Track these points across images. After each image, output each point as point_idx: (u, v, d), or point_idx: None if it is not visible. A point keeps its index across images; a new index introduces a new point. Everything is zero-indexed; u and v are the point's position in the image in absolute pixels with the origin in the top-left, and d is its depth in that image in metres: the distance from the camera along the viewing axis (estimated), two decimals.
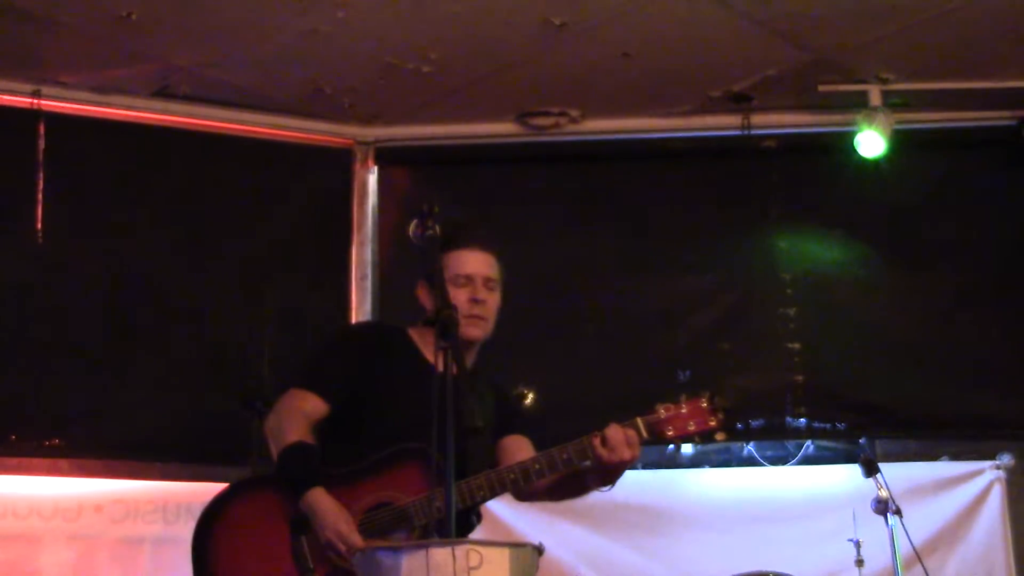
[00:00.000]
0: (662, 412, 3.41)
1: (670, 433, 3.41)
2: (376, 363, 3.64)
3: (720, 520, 5.76)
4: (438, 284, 3.21)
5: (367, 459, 3.47)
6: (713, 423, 3.42)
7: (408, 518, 3.35)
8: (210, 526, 3.50)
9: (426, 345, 3.66)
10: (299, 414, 3.54)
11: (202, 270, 5.64)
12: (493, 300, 3.67)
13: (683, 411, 3.42)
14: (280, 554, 3.40)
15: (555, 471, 3.41)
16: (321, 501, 3.36)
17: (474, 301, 3.60)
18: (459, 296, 3.58)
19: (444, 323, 2.97)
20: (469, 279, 3.63)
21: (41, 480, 5.38)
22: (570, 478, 3.53)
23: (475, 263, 3.65)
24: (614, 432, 3.35)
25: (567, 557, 5.63)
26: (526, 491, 3.60)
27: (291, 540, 3.40)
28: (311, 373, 3.68)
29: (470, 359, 3.70)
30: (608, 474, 3.44)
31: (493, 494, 3.43)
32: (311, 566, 3.36)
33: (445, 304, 3.07)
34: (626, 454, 3.35)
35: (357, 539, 3.30)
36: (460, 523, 3.27)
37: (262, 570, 3.41)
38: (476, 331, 3.62)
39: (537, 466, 3.41)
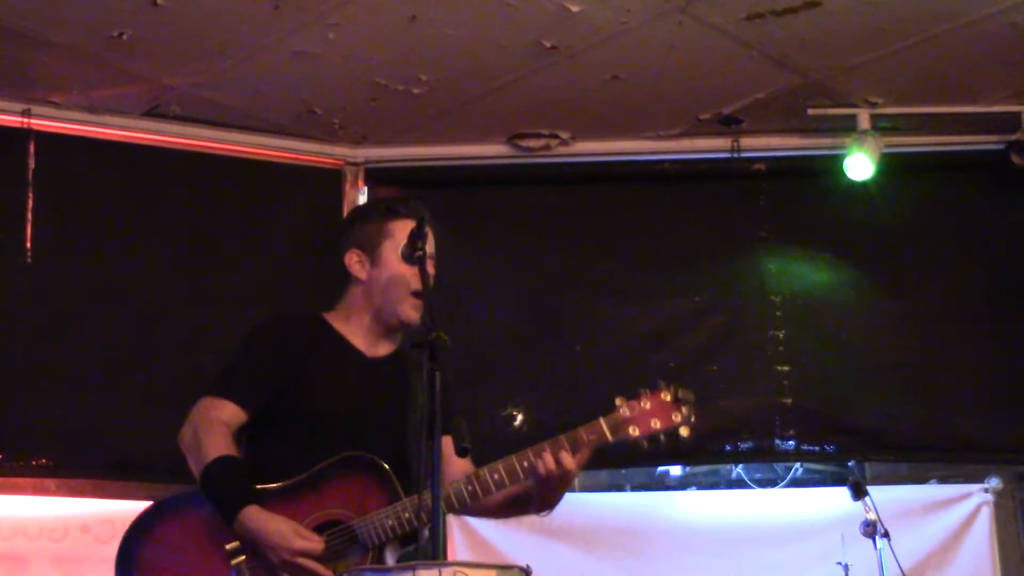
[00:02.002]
0: (625, 411, 3.27)
1: (634, 433, 3.26)
2: (297, 358, 3.46)
3: (708, 542, 5.77)
4: (426, 301, 3.13)
5: (306, 471, 3.29)
6: (678, 418, 3.28)
7: (357, 538, 3.19)
8: (133, 553, 3.29)
9: (350, 331, 3.53)
10: (218, 424, 3.36)
11: (192, 290, 5.61)
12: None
13: (646, 407, 3.28)
14: None
15: (516, 481, 3.24)
16: (260, 520, 3.16)
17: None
18: (407, 272, 3.42)
19: (434, 345, 2.88)
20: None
21: (28, 500, 5.37)
22: (516, 497, 3.35)
23: (429, 239, 3.45)
24: (549, 459, 3.19)
25: None
26: (477, 506, 3.39)
27: (230, 567, 3.19)
28: (225, 379, 3.50)
29: (395, 342, 3.56)
30: (552, 494, 3.28)
31: (452, 510, 3.25)
32: None
33: (435, 323, 2.96)
34: (573, 476, 3.23)
35: (316, 544, 3.13)
36: (409, 543, 3.15)
37: None
38: (418, 314, 3.43)
39: (496, 476, 3.23)
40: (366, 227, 3.60)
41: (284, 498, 3.27)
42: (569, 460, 3.20)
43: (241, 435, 3.45)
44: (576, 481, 6.27)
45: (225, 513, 3.22)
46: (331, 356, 3.50)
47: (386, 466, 3.23)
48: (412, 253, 3.24)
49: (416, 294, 3.44)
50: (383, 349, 3.57)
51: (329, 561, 3.18)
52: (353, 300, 3.61)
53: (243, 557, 3.20)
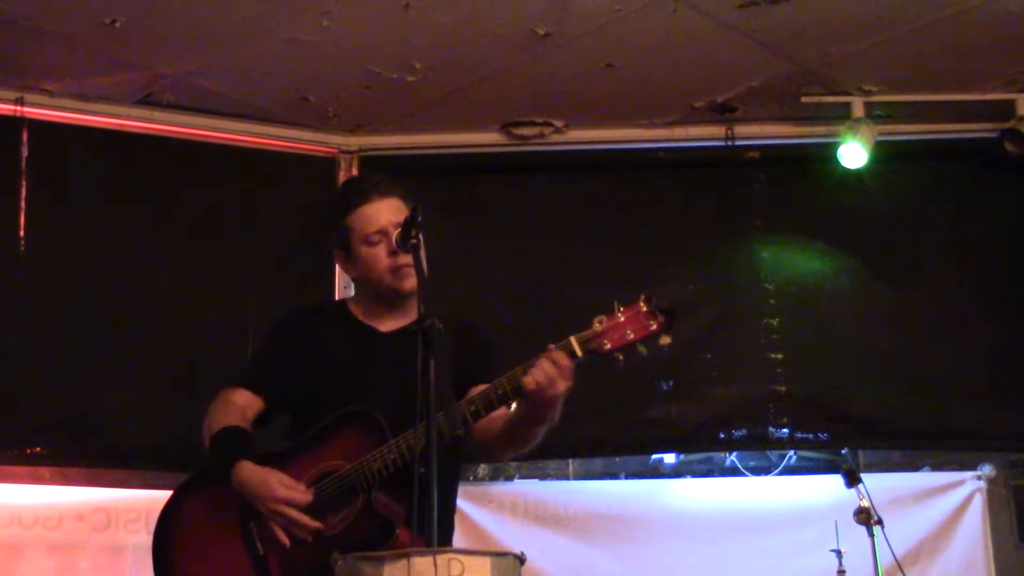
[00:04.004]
0: (597, 326, 3.14)
1: (607, 346, 3.13)
2: (310, 346, 3.52)
3: (702, 530, 5.78)
4: (421, 289, 3.12)
5: (308, 431, 3.37)
6: (654, 327, 3.12)
7: (352, 484, 3.23)
8: (166, 533, 3.43)
9: (364, 312, 3.56)
10: (231, 406, 3.47)
11: (185, 278, 5.61)
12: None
13: (620, 320, 3.14)
14: (234, 546, 3.31)
15: (491, 410, 3.19)
16: (248, 473, 3.26)
17: (395, 253, 3.42)
18: (378, 254, 3.45)
19: (426, 333, 2.90)
20: (383, 233, 3.45)
21: (23, 488, 5.37)
22: (515, 425, 3.32)
23: (383, 214, 3.47)
24: (538, 372, 3.13)
25: (548, 566, 5.65)
26: (482, 446, 3.42)
27: (241, 529, 3.30)
28: (242, 370, 3.64)
29: (411, 309, 3.45)
30: (544, 409, 3.22)
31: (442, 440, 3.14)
32: (262, 552, 3.26)
33: (427, 311, 2.97)
34: (560, 387, 3.14)
35: (301, 495, 3.21)
36: (405, 479, 3.10)
37: (220, 567, 3.32)
38: (409, 283, 3.43)
39: (473, 407, 3.19)
40: (336, 226, 3.62)
41: (287, 458, 3.34)
42: (530, 382, 3.12)
43: (262, 423, 3.55)
44: (571, 469, 6.35)
45: (223, 472, 3.32)
46: (344, 338, 3.55)
47: (379, 415, 3.25)
48: (406, 242, 3.25)
49: (393, 268, 3.45)
50: (398, 322, 3.56)
51: (324, 508, 3.25)
52: (358, 288, 3.69)
53: (254, 519, 3.30)
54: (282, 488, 3.22)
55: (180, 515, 3.45)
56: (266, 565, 3.27)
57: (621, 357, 3.16)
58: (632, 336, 3.13)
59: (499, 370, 3.31)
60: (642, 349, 3.15)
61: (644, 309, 3.14)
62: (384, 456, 3.20)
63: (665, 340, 3.15)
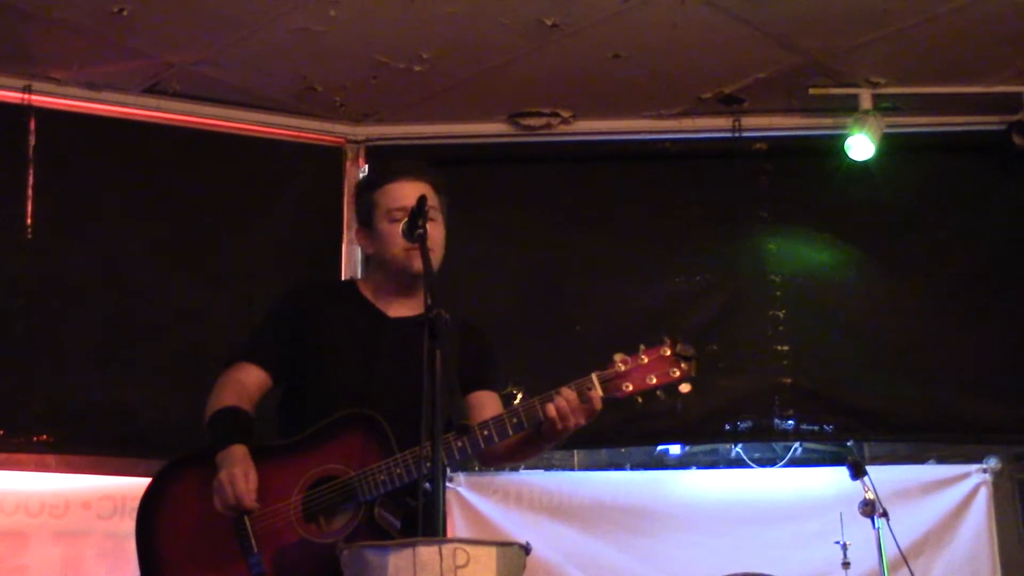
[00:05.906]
0: (620, 366, 3.15)
1: (628, 389, 3.15)
2: (320, 319, 3.49)
3: (707, 521, 5.77)
4: (427, 282, 3.09)
5: (309, 429, 3.31)
6: (676, 374, 3.15)
7: (353, 493, 3.20)
8: (151, 511, 3.36)
9: (375, 295, 3.54)
10: (236, 384, 3.41)
11: (192, 267, 5.62)
12: (436, 230, 3.44)
13: (643, 362, 3.16)
14: (224, 536, 3.23)
15: (505, 438, 3.21)
16: (234, 452, 3.21)
17: None
18: (397, 232, 3.40)
19: (433, 323, 2.89)
20: (405, 211, 3.38)
21: (29, 476, 5.38)
22: (526, 440, 3.32)
23: (411, 193, 3.41)
24: (561, 402, 3.13)
25: (554, 556, 5.64)
26: (484, 456, 3.42)
27: (234, 523, 3.22)
28: (249, 343, 3.55)
29: (421, 298, 3.44)
30: (557, 437, 3.22)
31: (453, 464, 3.28)
32: (256, 549, 3.18)
33: (435, 302, 2.96)
34: (581, 419, 3.15)
35: (245, 492, 3.14)
36: (405, 498, 3.14)
37: (206, 554, 3.25)
38: (420, 264, 3.33)
39: (486, 432, 3.18)
40: (360, 202, 3.65)
41: (286, 454, 3.30)
42: (551, 409, 3.14)
43: (268, 399, 3.51)
44: (576, 459, 6.34)
45: (216, 453, 3.27)
46: (352, 318, 3.52)
47: (384, 423, 3.24)
48: (412, 232, 3.24)
49: (408, 248, 3.42)
50: (408, 310, 3.55)
51: (324, 515, 3.24)
52: (372, 269, 3.67)
53: (248, 514, 3.23)
54: (240, 470, 3.18)
55: (167, 494, 3.36)
56: (260, 564, 3.20)
57: (640, 400, 3.18)
58: (654, 381, 3.15)
59: (499, 379, 3.35)
60: (661, 395, 3.16)
61: (668, 354, 3.17)
62: (391, 469, 3.18)
63: (685, 388, 3.16)
